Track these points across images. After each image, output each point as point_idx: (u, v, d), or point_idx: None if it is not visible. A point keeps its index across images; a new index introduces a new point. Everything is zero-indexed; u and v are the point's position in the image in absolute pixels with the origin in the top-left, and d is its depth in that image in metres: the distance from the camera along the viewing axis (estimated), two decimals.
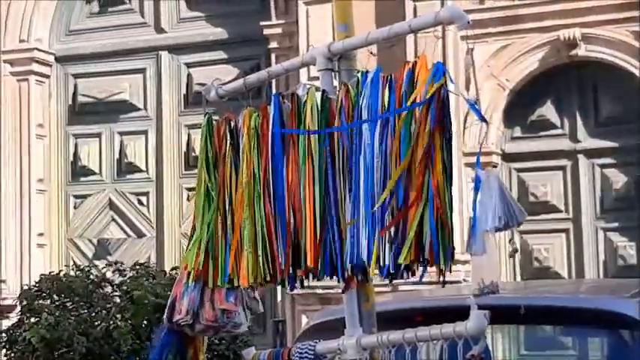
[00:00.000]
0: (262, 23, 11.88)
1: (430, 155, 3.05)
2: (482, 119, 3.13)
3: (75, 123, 13.15)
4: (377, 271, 3.18)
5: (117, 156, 12.97)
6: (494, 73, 10.68)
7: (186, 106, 12.67)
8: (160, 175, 12.68)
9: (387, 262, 3.11)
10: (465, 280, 9.41)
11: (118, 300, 8.84)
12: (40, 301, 8.92)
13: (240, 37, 12.28)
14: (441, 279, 3.14)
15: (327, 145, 3.34)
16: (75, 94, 13.16)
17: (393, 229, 3.09)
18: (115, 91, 12.92)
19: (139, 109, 12.90)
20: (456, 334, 3.03)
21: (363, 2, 10.57)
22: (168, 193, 12.61)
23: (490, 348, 4.76)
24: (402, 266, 3.12)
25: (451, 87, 3.14)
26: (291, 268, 3.38)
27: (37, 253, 12.78)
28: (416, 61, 3.18)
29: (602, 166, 10.69)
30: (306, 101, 3.43)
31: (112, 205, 12.94)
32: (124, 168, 12.93)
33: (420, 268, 3.17)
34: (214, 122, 3.72)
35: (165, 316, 3.85)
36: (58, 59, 13.14)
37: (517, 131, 10.98)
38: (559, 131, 10.83)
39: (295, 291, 10.65)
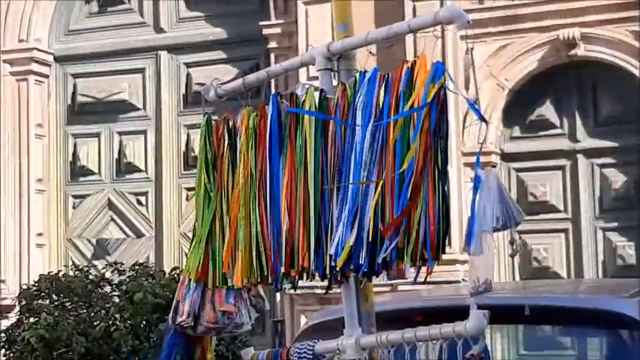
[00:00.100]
0: (261, 23, 11.88)
1: (431, 157, 3.05)
2: (482, 119, 3.12)
3: (74, 123, 13.14)
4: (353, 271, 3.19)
5: (116, 156, 12.97)
6: (494, 73, 10.68)
7: (185, 106, 12.66)
8: (159, 175, 12.68)
9: (361, 262, 3.11)
10: (464, 280, 9.42)
11: (117, 300, 8.83)
12: (39, 301, 8.91)
13: (240, 37, 12.28)
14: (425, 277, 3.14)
15: (321, 144, 3.34)
16: (74, 93, 13.16)
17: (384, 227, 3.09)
18: (114, 91, 12.91)
19: (138, 109, 12.90)
20: (456, 334, 3.03)
21: (363, 2, 10.57)
22: (168, 193, 12.61)
23: (489, 348, 4.76)
24: (379, 265, 3.12)
25: (451, 86, 3.14)
26: (283, 268, 3.37)
27: (36, 253, 12.77)
28: (415, 61, 3.17)
29: (602, 165, 10.69)
30: (304, 101, 3.43)
31: (111, 205, 12.94)
32: (123, 168, 12.92)
33: (411, 269, 3.16)
34: (213, 122, 3.72)
35: (170, 318, 3.86)
36: (57, 59, 13.14)
37: (516, 131, 10.98)
38: (558, 131, 10.83)
39: (294, 291, 10.66)
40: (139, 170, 12.84)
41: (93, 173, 13.04)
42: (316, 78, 3.50)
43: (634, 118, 10.43)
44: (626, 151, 10.54)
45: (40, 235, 12.86)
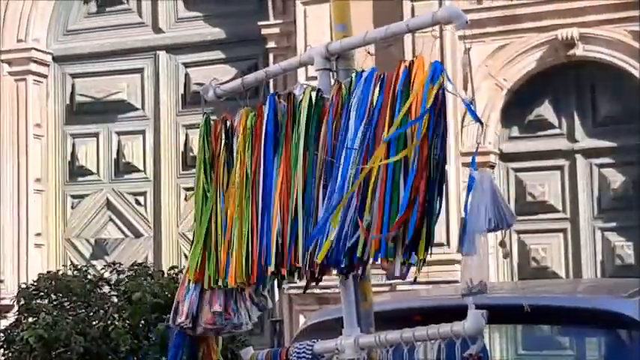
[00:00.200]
0: (260, 23, 11.88)
1: (429, 159, 3.04)
2: (478, 120, 3.12)
3: (72, 123, 13.14)
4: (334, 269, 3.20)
5: (114, 156, 12.97)
6: (492, 73, 10.68)
7: (183, 106, 12.67)
8: (157, 174, 12.68)
9: (340, 257, 3.11)
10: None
11: (115, 300, 8.83)
12: (38, 301, 8.90)
13: (238, 37, 12.28)
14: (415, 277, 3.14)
15: (314, 143, 3.34)
16: (72, 93, 13.16)
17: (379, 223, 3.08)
18: (113, 91, 12.91)
19: (136, 109, 12.90)
20: (454, 334, 3.03)
21: (361, 2, 10.57)
22: (166, 192, 12.61)
23: (488, 347, 4.76)
24: (357, 262, 3.12)
25: (449, 87, 3.14)
26: (272, 268, 3.37)
27: (35, 253, 12.77)
28: (413, 61, 3.17)
29: (600, 165, 10.70)
30: (301, 101, 3.43)
31: (109, 205, 12.94)
32: (122, 168, 12.92)
33: (399, 266, 3.16)
34: (212, 122, 3.72)
35: (170, 318, 3.86)
36: (55, 59, 13.13)
37: (515, 131, 10.98)
38: (557, 131, 10.84)
39: (292, 290, 10.67)
40: (138, 170, 12.84)
41: (91, 173, 13.04)
42: (315, 78, 3.50)
43: (632, 118, 10.43)
44: (624, 151, 10.55)
45: (38, 235, 12.86)
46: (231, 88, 3.79)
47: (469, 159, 10.25)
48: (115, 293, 8.91)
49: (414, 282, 3.32)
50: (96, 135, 13.03)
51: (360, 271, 3.28)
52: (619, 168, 10.62)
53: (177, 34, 12.73)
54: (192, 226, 3.80)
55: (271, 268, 3.35)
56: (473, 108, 3.11)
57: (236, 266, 3.46)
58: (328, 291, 9.58)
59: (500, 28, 10.65)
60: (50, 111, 13.12)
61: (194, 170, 3.80)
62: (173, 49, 12.74)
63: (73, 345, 8.36)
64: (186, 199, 12.25)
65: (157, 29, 12.86)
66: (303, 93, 3.44)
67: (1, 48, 12.86)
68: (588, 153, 10.72)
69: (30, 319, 8.75)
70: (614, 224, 10.60)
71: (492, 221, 3.05)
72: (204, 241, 3.63)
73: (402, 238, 3.02)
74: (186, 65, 12.68)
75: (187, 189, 12.11)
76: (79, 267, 9.44)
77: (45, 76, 13.10)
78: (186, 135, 12.52)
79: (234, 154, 3.58)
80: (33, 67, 12.94)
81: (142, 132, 12.82)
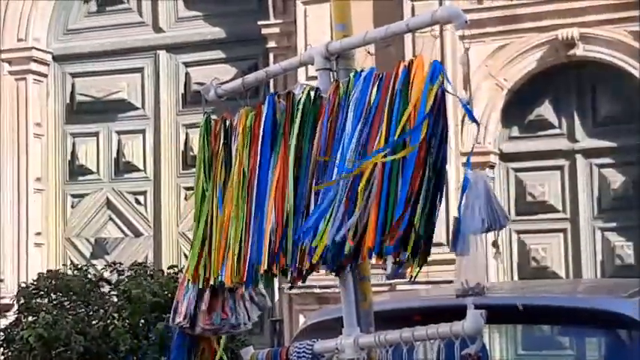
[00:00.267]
0: (260, 23, 11.88)
1: (426, 158, 3.04)
2: (474, 120, 3.12)
3: (72, 122, 13.15)
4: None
5: (114, 155, 12.97)
6: (493, 73, 10.68)
7: (184, 106, 12.67)
8: (157, 174, 12.68)
9: (334, 257, 3.12)
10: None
11: (115, 299, 8.84)
12: (38, 300, 8.91)
13: (238, 36, 12.28)
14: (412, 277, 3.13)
15: (309, 142, 3.35)
16: (73, 93, 13.16)
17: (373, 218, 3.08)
18: (113, 91, 12.92)
19: (136, 109, 12.90)
20: (453, 334, 3.03)
21: (361, 2, 10.57)
22: (166, 192, 12.61)
23: (487, 347, 4.76)
24: (345, 259, 3.13)
25: (448, 87, 3.14)
26: (264, 267, 3.37)
27: (35, 252, 12.78)
28: (412, 60, 3.17)
29: (600, 165, 10.70)
30: (300, 100, 3.43)
31: (109, 204, 12.94)
32: (122, 167, 12.93)
33: (390, 263, 3.15)
34: (212, 122, 3.72)
35: (170, 318, 3.86)
36: (55, 58, 13.14)
37: (515, 131, 10.98)
38: (557, 131, 10.84)
39: (293, 290, 10.67)
40: (138, 170, 12.85)
41: (91, 172, 13.04)
42: (315, 78, 3.50)
43: (633, 118, 10.43)
44: (624, 151, 10.55)
45: (38, 234, 12.87)
46: (232, 87, 3.79)
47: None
48: (115, 293, 8.91)
49: (414, 282, 3.32)
50: (96, 134, 13.04)
51: (349, 268, 3.28)
52: (619, 168, 10.62)
53: (177, 33, 12.73)
54: (192, 225, 3.79)
55: (263, 267, 3.35)
56: (470, 108, 3.11)
57: (231, 265, 3.46)
58: (328, 291, 9.59)
59: (501, 28, 10.65)
60: (50, 110, 13.13)
61: (194, 170, 3.80)
62: (173, 48, 12.74)
63: (72, 344, 8.36)
64: (186, 198, 12.26)
65: (157, 29, 12.86)
66: (302, 92, 3.44)
67: (1, 47, 12.87)
68: (588, 153, 10.72)
69: (30, 319, 8.75)
70: (614, 224, 10.60)
71: (486, 222, 3.05)
72: (203, 241, 3.63)
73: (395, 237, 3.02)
74: (187, 65, 12.69)
75: (187, 188, 12.12)
76: (79, 266, 9.45)
77: (45, 76, 13.10)
78: (187, 134, 12.52)
79: (233, 153, 3.58)
80: (33, 66, 12.94)
81: (142, 131, 12.83)
